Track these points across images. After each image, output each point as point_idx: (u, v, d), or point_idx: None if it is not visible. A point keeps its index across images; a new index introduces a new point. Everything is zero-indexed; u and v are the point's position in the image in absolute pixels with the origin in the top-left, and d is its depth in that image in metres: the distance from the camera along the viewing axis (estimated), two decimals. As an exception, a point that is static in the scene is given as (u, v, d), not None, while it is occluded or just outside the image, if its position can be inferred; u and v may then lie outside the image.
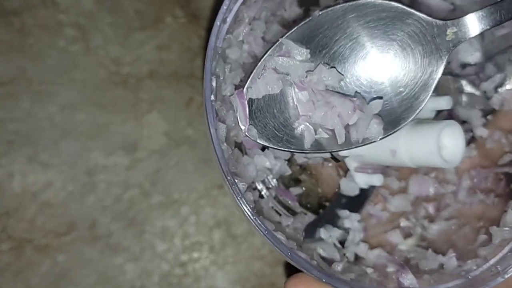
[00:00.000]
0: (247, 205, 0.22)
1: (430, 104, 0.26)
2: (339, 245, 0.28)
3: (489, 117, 0.30)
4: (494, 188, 0.28)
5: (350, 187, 0.28)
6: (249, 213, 0.22)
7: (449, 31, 0.23)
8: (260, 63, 0.24)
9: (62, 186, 0.38)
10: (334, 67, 0.25)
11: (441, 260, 0.27)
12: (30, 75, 0.40)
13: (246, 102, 0.24)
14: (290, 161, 0.28)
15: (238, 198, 0.23)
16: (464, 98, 0.30)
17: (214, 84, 0.24)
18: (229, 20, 0.24)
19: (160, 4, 0.42)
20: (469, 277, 0.25)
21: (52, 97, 0.39)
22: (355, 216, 0.28)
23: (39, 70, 0.40)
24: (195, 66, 0.42)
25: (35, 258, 0.36)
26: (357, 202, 0.29)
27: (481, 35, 0.28)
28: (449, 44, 0.23)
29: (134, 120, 0.40)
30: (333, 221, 0.28)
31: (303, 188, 0.32)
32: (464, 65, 0.30)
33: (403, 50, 0.24)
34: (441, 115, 0.30)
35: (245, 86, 0.24)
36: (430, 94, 0.24)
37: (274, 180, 0.30)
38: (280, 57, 0.24)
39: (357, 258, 0.28)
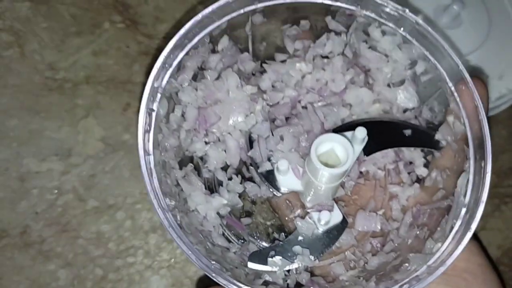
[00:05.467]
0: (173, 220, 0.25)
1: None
2: (284, 274, 0.29)
3: (429, 157, 0.32)
4: (427, 222, 0.30)
5: (305, 226, 0.29)
6: (166, 225, 0.25)
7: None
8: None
9: (-7, 193, 0.37)
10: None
11: (364, 285, 0.28)
12: (-39, 80, 0.39)
13: None
14: (241, 195, 0.31)
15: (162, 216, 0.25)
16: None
17: (149, 118, 0.27)
18: (172, 67, 0.28)
19: (98, 9, 0.42)
20: None
21: (-15, 103, 0.39)
22: (306, 252, 0.29)
23: (-28, 75, 0.39)
24: (133, 71, 0.42)
25: (-37, 266, 0.36)
26: (318, 245, 0.30)
27: (414, 82, 0.32)
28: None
29: (69, 125, 0.40)
30: (284, 254, 0.29)
31: (253, 219, 0.34)
32: (404, 110, 0.33)
33: None
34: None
35: None
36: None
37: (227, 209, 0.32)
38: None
39: (298, 284, 0.29)
